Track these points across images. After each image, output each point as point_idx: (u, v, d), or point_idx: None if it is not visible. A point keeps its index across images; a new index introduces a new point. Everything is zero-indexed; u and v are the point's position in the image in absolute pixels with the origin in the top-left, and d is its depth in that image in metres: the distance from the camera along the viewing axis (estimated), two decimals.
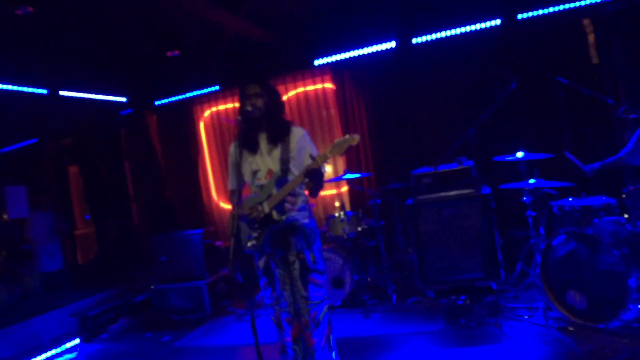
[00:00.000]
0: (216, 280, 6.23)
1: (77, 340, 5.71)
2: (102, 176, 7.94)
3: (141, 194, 8.03)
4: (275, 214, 3.16)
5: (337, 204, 5.57)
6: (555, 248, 4.03)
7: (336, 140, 2.94)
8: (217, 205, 7.82)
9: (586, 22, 5.89)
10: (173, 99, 7.80)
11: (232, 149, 3.43)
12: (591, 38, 5.92)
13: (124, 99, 7.65)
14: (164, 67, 7.01)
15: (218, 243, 6.71)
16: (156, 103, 7.89)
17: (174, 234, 6.39)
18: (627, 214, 3.79)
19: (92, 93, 7.12)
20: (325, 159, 2.97)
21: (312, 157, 3.00)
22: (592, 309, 3.78)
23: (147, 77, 7.40)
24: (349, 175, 5.43)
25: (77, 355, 5.43)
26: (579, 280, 3.85)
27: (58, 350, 5.48)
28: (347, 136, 2.92)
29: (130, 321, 6.28)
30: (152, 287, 6.24)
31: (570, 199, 4.39)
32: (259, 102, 3.22)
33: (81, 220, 9.08)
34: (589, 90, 4.80)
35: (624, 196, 3.79)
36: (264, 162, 3.29)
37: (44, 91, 6.36)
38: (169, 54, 6.33)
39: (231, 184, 3.48)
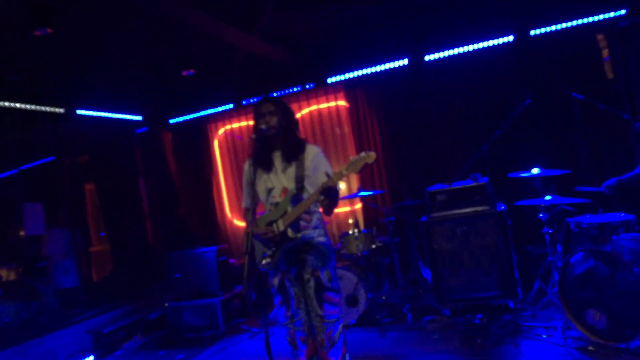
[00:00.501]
0: (230, 297, 6.22)
1: (91, 358, 5.71)
2: (117, 193, 8.00)
3: (156, 211, 8.07)
4: (290, 232, 3.16)
5: (350, 221, 5.55)
6: (573, 266, 3.97)
7: (352, 158, 2.94)
8: (231, 223, 7.85)
9: (600, 37, 5.87)
10: (188, 117, 7.89)
11: (246, 167, 3.45)
12: (605, 53, 5.89)
13: (139, 118, 7.75)
14: (179, 85, 7.10)
15: (232, 260, 6.71)
16: (171, 121, 7.99)
17: (188, 252, 6.41)
18: None
19: (108, 111, 7.23)
20: (341, 177, 2.97)
21: (328, 175, 3.00)
22: (613, 328, 3.70)
23: (162, 95, 7.50)
24: (363, 193, 5.43)
25: None
26: (599, 298, 3.78)
27: None
28: (363, 154, 2.92)
29: (144, 338, 6.27)
30: (167, 304, 6.24)
31: (588, 216, 4.34)
32: (273, 121, 3.24)
33: (96, 238, 9.14)
34: (603, 105, 4.77)
35: None
36: (279, 180, 3.29)
37: (62, 110, 6.48)
38: (184, 73, 6.41)
39: (245, 202, 3.49)
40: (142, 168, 8.11)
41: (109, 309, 6.58)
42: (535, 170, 4.43)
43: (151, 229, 8.07)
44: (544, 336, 4.16)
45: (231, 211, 7.86)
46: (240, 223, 7.76)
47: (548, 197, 4.31)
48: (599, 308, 3.78)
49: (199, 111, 7.77)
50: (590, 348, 3.77)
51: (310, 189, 3.23)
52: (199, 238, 7.68)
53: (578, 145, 5.65)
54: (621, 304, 3.66)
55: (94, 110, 6.95)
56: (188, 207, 8.08)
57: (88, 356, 5.71)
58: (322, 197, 3.05)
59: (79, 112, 6.71)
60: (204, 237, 7.69)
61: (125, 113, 7.55)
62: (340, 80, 6.84)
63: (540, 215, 4.45)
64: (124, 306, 6.79)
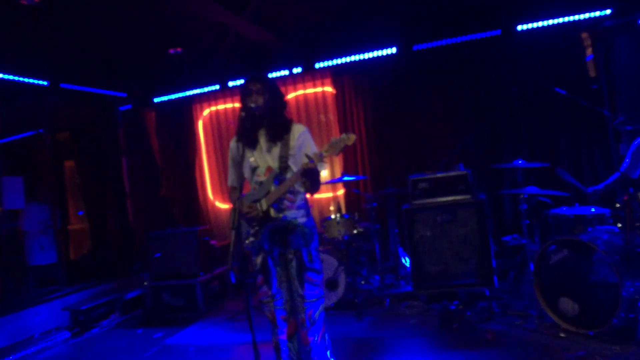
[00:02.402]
0: (210, 278, 6.23)
1: (68, 334, 5.68)
2: (98, 171, 7.94)
3: (137, 190, 8.02)
4: (272, 212, 3.19)
5: (332, 208, 5.60)
6: (549, 255, 4.08)
7: (332, 140, 2.97)
8: (213, 205, 7.83)
9: (584, 35, 5.98)
10: (172, 96, 7.82)
11: (232, 144, 3.45)
12: (589, 52, 6.00)
13: (123, 95, 7.67)
14: (165, 64, 7.02)
15: (213, 242, 6.72)
16: (155, 100, 7.91)
17: (169, 232, 6.39)
18: (621, 223, 3.84)
19: (92, 87, 7.13)
20: (320, 159, 3.00)
21: (308, 157, 3.03)
22: (584, 316, 3.83)
23: (147, 73, 7.42)
24: (346, 178, 5.47)
25: (68, 349, 5.41)
26: (572, 287, 3.90)
27: (49, 343, 5.45)
28: (343, 135, 2.96)
29: (122, 317, 6.26)
30: (146, 283, 6.22)
31: (565, 208, 4.46)
32: (260, 100, 3.24)
33: (74, 216, 9.06)
34: (585, 101, 4.87)
35: (617, 206, 3.84)
36: (264, 159, 3.31)
37: (45, 83, 6.37)
38: (171, 51, 6.35)
39: (231, 180, 3.50)
40: (124, 146, 8.03)
41: (86, 287, 6.55)
42: (517, 162, 4.52)
43: (132, 208, 8.02)
44: (518, 323, 4.27)
45: (213, 193, 7.85)
46: (222, 205, 7.75)
47: (527, 189, 4.40)
48: (572, 296, 3.89)
49: (184, 91, 7.71)
50: (562, 334, 3.89)
51: (294, 168, 3.25)
52: (180, 219, 7.66)
53: (559, 140, 5.76)
54: (593, 293, 3.78)
55: (78, 84, 6.86)
56: (170, 188, 8.03)
57: (65, 333, 5.68)
58: (303, 179, 3.09)
59: (62, 85, 6.61)
60: (186, 218, 7.67)
61: (109, 89, 7.46)
62: (328, 66, 6.86)
63: (520, 206, 4.55)
64: (103, 284, 6.77)
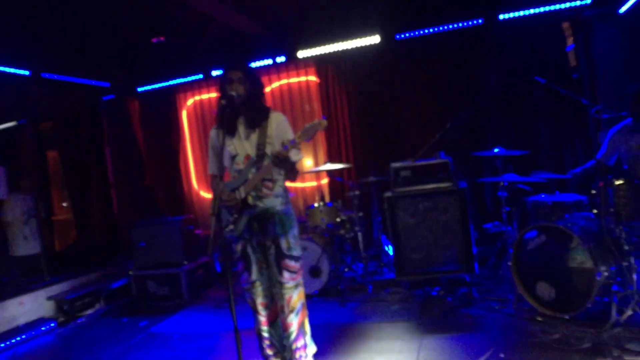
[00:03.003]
0: (195, 267, 6.25)
1: (53, 324, 5.68)
2: (82, 161, 7.89)
3: (121, 180, 8.00)
4: (250, 199, 3.22)
5: (317, 198, 5.64)
6: (527, 241, 4.16)
7: (305, 126, 3.01)
8: (197, 194, 7.85)
9: (565, 25, 6.05)
10: (156, 86, 7.78)
11: (212, 133, 3.47)
12: (570, 41, 6.08)
13: (106, 84, 7.62)
14: (148, 53, 6.98)
15: (197, 231, 6.73)
16: (139, 89, 7.86)
17: (153, 221, 6.39)
18: (597, 209, 3.92)
19: (74, 76, 7.07)
20: (294, 145, 3.03)
21: (282, 144, 3.06)
22: (560, 301, 3.91)
23: (130, 62, 7.37)
24: (329, 166, 5.51)
25: (53, 338, 5.42)
26: (548, 272, 3.98)
27: (34, 333, 5.45)
28: (316, 121, 3.00)
29: (107, 306, 6.26)
30: (130, 272, 6.23)
31: (543, 195, 4.53)
32: (241, 88, 3.25)
33: (59, 206, 9.01)
34: (564, 90, 4.94)
35: (593, 192, 3.92)
36: (242, 147, 3.33)
37: (27, 72, 6.31)
38: (154, 40, 6.30)
39: (211, 169, 3.53)
40: (108, 136, 7.99)
41: (71, 277, 6.54)
42: (496, 150, 4.58)
43: (116, 198, 8.00)
44: (497, 307, 4.36)
45: (198, 182, 7.85)
46: (207, 194, 7.77)
47: (506, 176, 4.47)
48: (549, 281, 3.98)
49: (167, 80, 7.67)
50: (539, 318, 3.98)
51: None
52: (164, 208, 7.66)
53: (539, 128, 5.84)
54: (569, 278, 3.86)
55: (60, 73, 6.79)
56: (154, 178, 8.02)
57: (50, 322, 5.68)
58: (276, 167, 3.12)
59: (44, 75, 6.55)
60: (170, 207, 7.68)
61: (92, 79, 7.40)
62: (312, 56, 6.86)
63: (500, 193, 4.62)
64: (87, 274, 6.76)
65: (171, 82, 7.69)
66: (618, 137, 4.39)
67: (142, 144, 8.08)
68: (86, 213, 8.00)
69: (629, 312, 3.62)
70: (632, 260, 3.68)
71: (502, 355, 3.46)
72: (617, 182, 3.72)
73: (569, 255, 3.88)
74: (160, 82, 7.73)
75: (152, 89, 7.83)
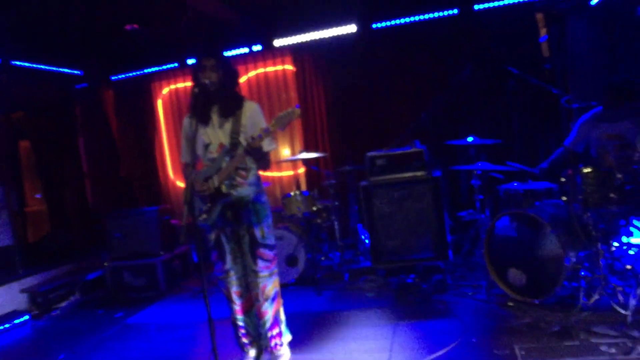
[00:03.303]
0: (172, 257, 6.22)
1: (27, 317, 5.61)
2: (55, 151, 7.75)
3: (96, 170, 7.90)
4: (224, 188, 3.22)
5: (293, 187, 5.65)
6: (499, 229, 4.24)
7: (278, 115, 3.02)
8: (174, 184, 7.79)
9: (539, 16, 6.12)
10: (131, 74, 7.68)
11: (185, 121, 3.45)
12: (543, 32, 6.16)
13: (79, 73, 7.48)
14: (122, 41, 6.85)
15: (174, 221, 6.68)
16: (113, 78, 7.75)
17: (129, 211, 6.33)
18: (565, 197, 4.01)
19: (46, 64, 6.93)
20: (268, 133, 3.04)
21: (253, 137, 3.07)
22: (530, 286, 4.01)
23: (103, 50, 7.23)
24: (305, 155, 5.52)
25: (27, 331, 5.35)
26: (520, 259, 4.07)
27: (7, 326, 5.37)
28: (289, 110, 3.01)
29: (82, 298, 6.20)
30: (106, 264, 6.17)
31: (515, 184, 4.61)
32: (214, 76, 3.23)
33: (32, 198, 8.84)
34: (537, 80, 5.02)
35: (562, 180, 4.00)
36: (216, 135, 3.32)
37: None
38: (127, 27, 6.20)
39: (184, 157, 3.51)
40: (81, 126, 7.86)
41: (45, 269, 6.44)
42: (469, 139, 4.64)
43: (91, 188, 7.89)
44: (470, 294, 4.45)
45: (174, 172, 7.80)
46: (183, 184, 7.70)
47: (479, 164, 4.54)
48: (520, 267, 4.07)
49: (142, 69, 7.57)
50: (510, 304, 4.07)
51: (245, 144, 3.27)
52: (140, 199, 7.59)
53: (512, 117, 5.93)
54: (539, 264, 3.96)
55: (31, 61, 6.65)
56: (130, 167, 7.93)
57: (24, 315, 5.60)
58: (249, 156, 3.13)
59: (14, 63, 6.40)
60: (146, 197, 7.61)
61: (64, 67, 7.26)
62: (288, 44, 6.83)
63: (473, 182, 4.69)
64: (62, 266, 6.66)
65: (146, 71, 7.59)
66: (587, 125, 4.48)
67: (117, 133, 7.97)
68: (60, 204, 7.87)
69: (596, 297, 3.73)
70: (599, 246, 3.78)
71: (474, 340, 3.54)
72: (585, 170, 3.81)
73: (539, 242, 3.97)
74: (135, 70, 7.62)
75: (127, 77, 7.72)
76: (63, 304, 6.03)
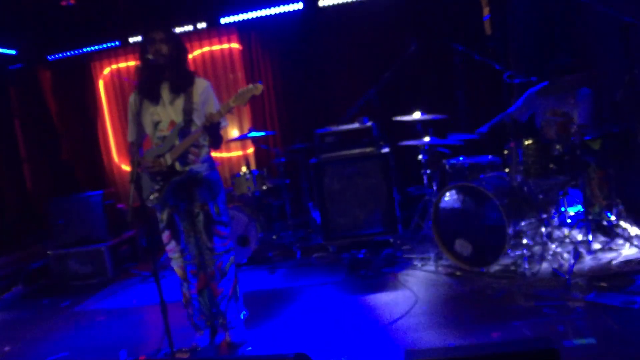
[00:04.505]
0: (119, 243, 6.07)
1: None
2: None
3: (34, 155, 7.55)
4: (178, 166, 3.16)
5: (242, 167, 5.60)
6: (446, 201, 4.35)
7: (239, 90, 2.99)
8: (119, 167, 7.57)
9: None
10: (69, 53, 7.33)
11: (131, 99, 3.34)
12: (486, 11, 6.29)
13: (12, 52, 7.09)
14: (58, 18, 6.54)
15: (120, 205, 6.51)
16: (50, 58, 7.39)
17: (71, 196, 6.11)
18: (508, 168, 4.16)
19: None
20: (228, 109, 3.01)
21: (212, 113, 3.04)
22: (476, 255, 4.15)
23: (39, 28, 6.87)
24: (254, 134, 5.47)
25: None
26: (466, 229, 4.20)
27: None
28: (251, 85, 2.98)
29: (25, 289, 5.96)
30: (50, 252, 5.95)
31: (461, 158, 4.75)
32: (164, 49, 3.14)
33: None
34: (480, 56, 5.14)
35: (505, 152, 4.15)
36: (166, 113, 3.24)
37: None
38: (63, 3, 5.90)
39: (131, 136, 3.40)
40: (16, 108, 7.48)
41: None
42: (416, 115, 4.73)
43: (30, 174, 7.55)
44: (420, 265, 4.57)
45: (118, 155, 7.57)
46: (128, 167, 7.50)
47: (427, 139, 4.63)
48: (466, 238, 4.20)
49: (81, 48, 7.24)
50: (458, 273, 4.21)
51: (198, 122, 3.22)
52: (83, 183, 7.33)
53: (457, 92, 6.07)
54: (483, 234, 4.10)
55: None
56: (71, 151, 7.64)
57: None
58: (206, 133, 3.09)
59: None
60: (90, 182, 7.35)
61: None
62: (234, 22, 6.72)
63: (420, 157, 4.79)
64: (2, 257, 6.36)
65: (85, 50, 7.26)
66: (536, 97, 4.63)
67: (56, 115, 7.64)
68: None
69: (538, 263, 3.91)
70: (540, 215, 3.96)
71: (424, 308, 3.64)
72: (527, 142, 3.96)
73: (483, 213, 4.10)
74: (73, 49, 7.28)
75: (65, 56, 7.37)
76: (5, 296, 5.78)
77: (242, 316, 3.54)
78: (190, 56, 6.92)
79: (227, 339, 3.45)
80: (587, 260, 3.94)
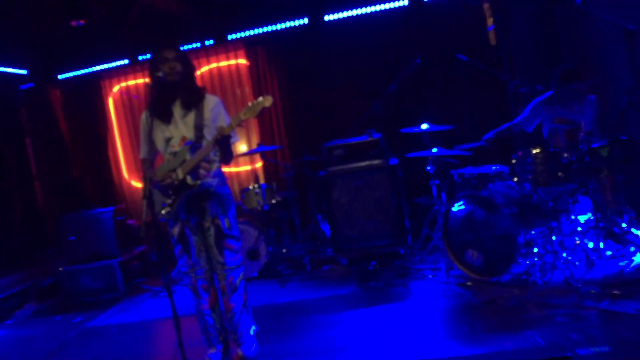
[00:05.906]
0: (130, 258, 6.10)
1: None
2: (0, 154, 7.44)
3: (46, 173, 7.63)
4: (189, 180, 3.19)
5: (251, 181, 5.63)
6: (455, 212, 4.36)
7: (250, 103, 3.02)
8: (129, 184, 7.62)
9: (486, 6, 6.32)
10: (78, 72, 7.42)
11: (143, 116, 3.39)
12: (490, 22, 6.35)
13: (23, 72, 7.20)
14: (68, 37, 6.63)
15: (130, 221, 6.55)
16: (60, 77, 7.48)
17: (82, 213, 6.14)
18: (517, 177, 4.17)
19: None
20: (239, 122, 3.04)
21: (222, 127, 3.07)
22: (487, 265, 4.15)
23: (49, 48, 6.99)
24: (262, 148, 5.51)
25: None
26: (476, 239, 4.20)
27: None
28: (261, 98, 3.01)
29: (38, 306, 5.99)
30: (61, 269, 5.99)
31: (469, 168, 4.76)
32: (178, 66, 3.20)
33: None
34: (485, 66, 5.17)
35: (513, 161, 4.16)
36: (178, 129, 3.28)
37: None
38: (73, 23, 5.99)
39: (143, 153, 3.45)
40: (28, 127, 7.57)
41: None
42: (424, 126, 4.75)
43: (41, 191, 7.62)
44: (430, 276, 4.57)
45: (128, 172, 7.62)
46: (138, 184, 7.56)
47: (434, 150, 4.65)
48: (476, 248, 4.20)
49: (90, 66, 7.33)
50: (469, 283, 4.21)
51: (209, 138, 3.25)
52: (94, 200, 7.38)
53: (462, 103, 6.11)
54: (494, 243, 4.10)
55: None
56: (82, 168, 7.71)
57: None
58: (217, 147, 3.12)
59: None
60: (100, 199, 7.40)
61: (7, 66, 6.97)
62: (241, 38, 6.80)
63: (428, 168, 4.80)
64: (14, 274, 6.42)
65: (95, 68, 7.36)
66: (542, 106, 4.66)
67: (67, 133, 7.72)
68: (8, 208, 7.56)
69: (549, 272, 3.89)
70: (550, 223, 3.95)
71: (436, 318, 3.63)
72: (535, 151, 3.97)
73: (493, 222, 4.11)
74: (83, 68, 7.37)
75: (75, 75, 7.46)
76: (18, 313, 5.81)
77: (251, 332, 3.54)
78: (198, 72, 7.01)
79: (239, 353, 3.44)
80: (599, 268, 3.93)
